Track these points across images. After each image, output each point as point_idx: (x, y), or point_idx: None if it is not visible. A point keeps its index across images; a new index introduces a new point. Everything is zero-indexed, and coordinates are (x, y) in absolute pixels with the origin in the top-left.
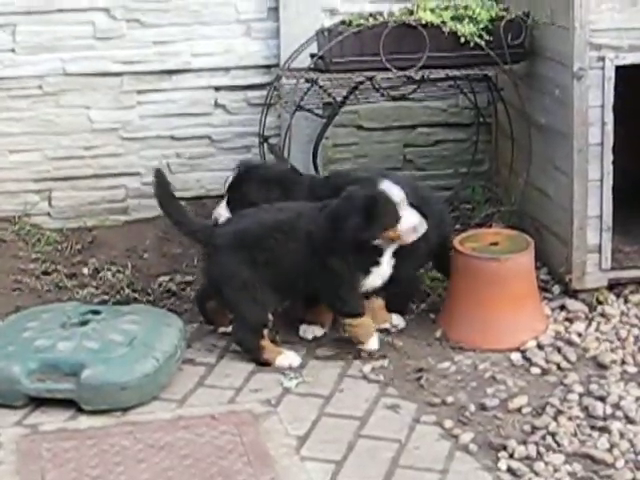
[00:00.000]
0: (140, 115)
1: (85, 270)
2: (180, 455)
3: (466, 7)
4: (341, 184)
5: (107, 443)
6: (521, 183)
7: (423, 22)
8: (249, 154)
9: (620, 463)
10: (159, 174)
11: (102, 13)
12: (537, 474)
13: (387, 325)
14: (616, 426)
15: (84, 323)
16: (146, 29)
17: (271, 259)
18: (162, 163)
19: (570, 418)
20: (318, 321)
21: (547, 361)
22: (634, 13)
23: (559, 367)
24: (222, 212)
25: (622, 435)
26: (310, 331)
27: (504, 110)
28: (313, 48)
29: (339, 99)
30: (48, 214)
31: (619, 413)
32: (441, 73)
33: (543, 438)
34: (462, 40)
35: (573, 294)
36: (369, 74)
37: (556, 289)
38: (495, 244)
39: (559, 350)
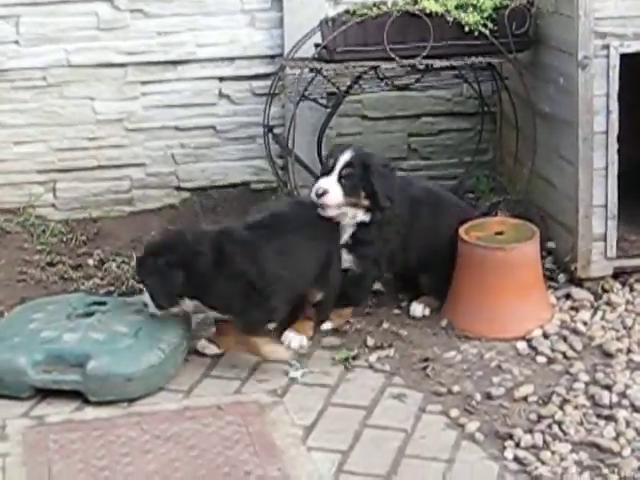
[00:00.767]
0: (144, 106)
1: (90, 261)
2: (186, 446)
3: None
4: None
5: (113, 434)
6: (526, 172)
7: (427, 11)
8: (254, 144)
9: (626, 451)
10: None
11: (106, 4)
12: (543, 463)
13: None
14: (622, 414)
15: (89, 314)
16: (150, 19)
17: None
18: (167, 154)
19: (576, 407)
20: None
21: (553, 350)
22: (638, 1)
23: (565, 356)
24: None
25: (628, 424)
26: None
27: (508, 99)
28: (317, 38)
29: (343, 89)
30: (53, 205)
31: (625, 402)
32: (445, 62)
33: (549, 427)
34: (466, 29)
35: (579, 283)
36: (373, 64)
37: (561, 278)
38: (500, 233)
39: (565, 339)
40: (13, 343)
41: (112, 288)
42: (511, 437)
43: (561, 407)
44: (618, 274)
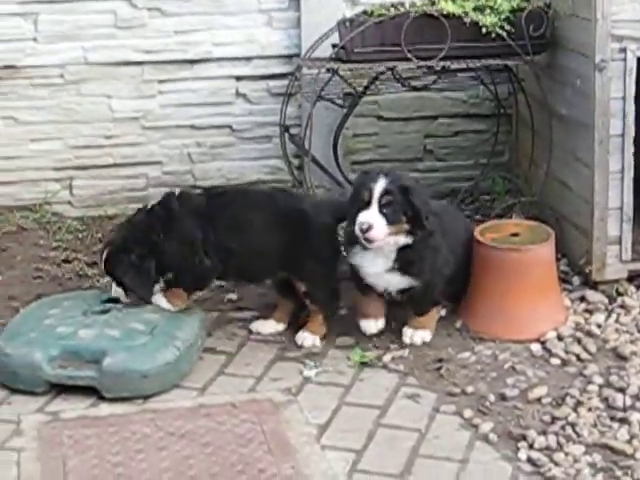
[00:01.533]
0: (161, 104)
1: None
2: (201, 443)
3: None
4: None
5: (128, 431)
6: (542, 174)
7: (445, 12)
8: (270, 144)
9: None
10: None
11: (123, 2)
12: (557, 464)
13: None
14: (636, 417)
15: (105, 311)
16: (167, 18)
17: None
18: (183, 152)
19: (590, 409)
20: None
21: (567, 352)
22: None
23: (579, 358)
24: None
25: None
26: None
27: (525, 101)
28: (334, 38)
29: (360, 89)
30: (69, 202)
31: (639, 404)
32: (462, 64)
33: (563, 428)
34: (483, 31)
35: (593, 285)
36: (390, 64)
37: (576, 280)
38: (516, 235)
39: (579, 341)
40: (29, 338)
41: None
42: (525, 438)
43: (575, 409)
44: (633, 277)
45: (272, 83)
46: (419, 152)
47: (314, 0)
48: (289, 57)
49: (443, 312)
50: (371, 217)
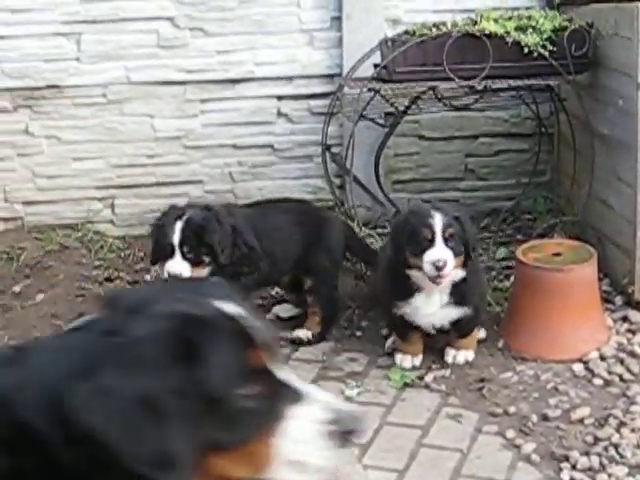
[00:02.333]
0: (203, 124)
1: (147, 277)
2: None
3: (529, 17)
4: None
5: None
6: (583, 194)
7: (487, 32)
8: (311, 163)
9: None
10: None
11: (166, 22)
12: None
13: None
14: None
15: None
16: (209, 38)
17: None
18: (224, 171)
19: (633, 430)
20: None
21: (609, 372)
22: None
23: (621, 378)
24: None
25: None
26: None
27: (566, 120)
28: (376, 58)
29: (401, 108)
30: (111, 221)
31: None
32: (504, 83)
33: (606, 449)
34: (525, 50)
35: (636, 305)
36: (432, 84)
37: (618, 300)
38: (558, 255)
39: (622, 362)
40: None
41: None
42: (567, 459)
43: (618, 430)
44: None
45: (313, 103)
46: (460, 171)
47: (356, 20)
48: (331, 77)
49: (483, 334)
50: (443, 253)
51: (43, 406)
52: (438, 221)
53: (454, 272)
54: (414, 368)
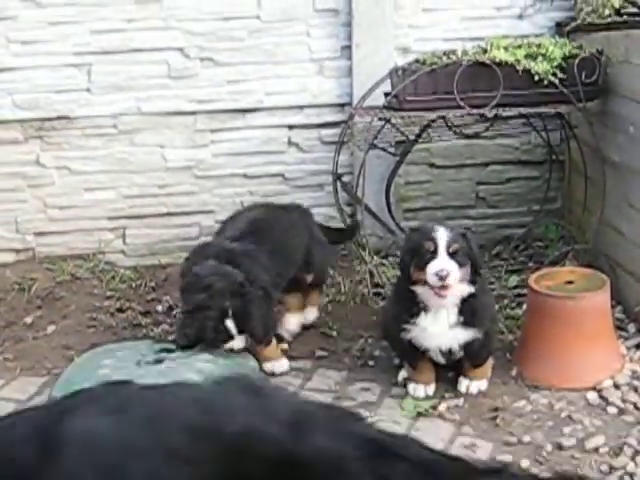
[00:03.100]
0: (214, 153)
1: (159, 307)
2: None
3: (539, 45)
4: None
5: None
6: (595, 221)
7: (497, 60)
8: (322, 192)
9: None
10: None
11: (176, 52)
12: None
13: None
14: None
15: (159, 361)
16: (219, 68)
17: None
18: (235, 201)
19: None
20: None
21: (624, 400)
22: None
23: (636, 407)
24: None
25: None
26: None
27: (577, 148)
28: (386, 86)
29: (412, 137)
30: (122, 252)
31: None
32: (514, 111)
33: (621, 478)
34: (536, 78)
35: None
36: (442, 112)
37: (631, 328)
38: (570, 282)
39: (636, 389)
40: (83, 388)
41: None
42: None
43: (633, 458)
44: None
45: (324, 132)
46: (471, 199)
47: (366, 49)
48: (341, 106)
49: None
50: (445, 263)
51: None
52: (441, 235)
53: (459, 287)
54: (427, 397)
